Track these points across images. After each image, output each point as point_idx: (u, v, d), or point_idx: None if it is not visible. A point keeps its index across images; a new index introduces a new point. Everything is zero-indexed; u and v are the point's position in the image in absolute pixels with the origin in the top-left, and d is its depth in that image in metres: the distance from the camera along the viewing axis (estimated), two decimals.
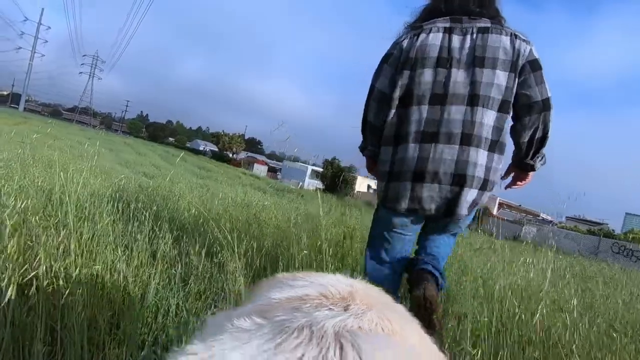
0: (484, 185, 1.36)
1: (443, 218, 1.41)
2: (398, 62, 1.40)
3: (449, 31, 1.36)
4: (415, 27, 1.42)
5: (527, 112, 1.32)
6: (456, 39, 1.35)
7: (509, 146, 1.40)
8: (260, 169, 43.19)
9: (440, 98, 1.33)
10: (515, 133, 1.38)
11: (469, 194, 1.34)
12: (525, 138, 1.35)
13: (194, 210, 3.11)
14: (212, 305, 1.51)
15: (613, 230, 18.60)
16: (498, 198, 27.82)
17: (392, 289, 1.40)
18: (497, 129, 1.33)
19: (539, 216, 25.50)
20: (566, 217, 24.60)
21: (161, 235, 2.02)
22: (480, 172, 1.33)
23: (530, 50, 1.32)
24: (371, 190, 29.78)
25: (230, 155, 46.04)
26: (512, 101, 1.33)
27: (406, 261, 1.50)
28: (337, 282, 0.48)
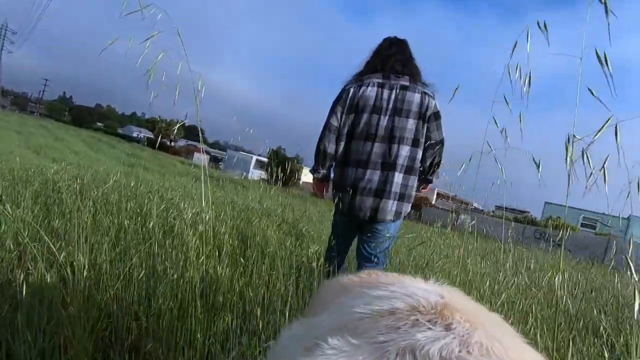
0: (402, 197, 1.89)
1: (370, 222, 1.93)
2: (345, 105, 1.89)
3: (381, 86, 1.87)
4: (358, 80, 1.92)
5: (431, 147, 1.90)
6: (385, 93, 1.85)
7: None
8: (201, 158, 40.81)
9: (370, 136, 1.86)
10: (422, 160, 1.94)
11: (389, 204, 1.87)
12: (427, 163, 1.94)
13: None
14: None
15: (535, 217, 20.38)
16: (436, 189, 29.20)
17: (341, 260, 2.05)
18: (411, 158, 1.87)
19: (471, 205, 27.20)
20: (495, 206, 26.60)
21: None
22: (396, 188, 1.86)
23: (435, 104, 1.87)
24: None
25: (168, 143, 42.87)
26: (423, 139, 1.88)
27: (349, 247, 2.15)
28: (425, 292, 0.44)
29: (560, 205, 19.68)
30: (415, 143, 1.87)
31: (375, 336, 0.36)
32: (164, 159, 23.29)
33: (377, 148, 1.86)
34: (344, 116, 1.90)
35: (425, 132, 1.88)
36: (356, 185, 1.89)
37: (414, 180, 1.91)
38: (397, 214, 1.90)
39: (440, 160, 1.96)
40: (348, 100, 1.89)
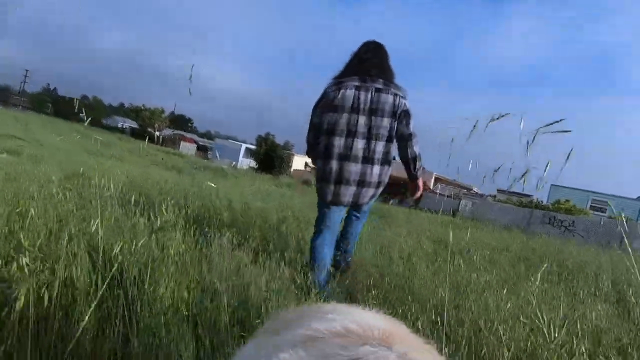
0: (378, 185, 2.19)
1: (352, 207, 2.29)
2: (326, 106, 2.14)
3: (358, 89, 2.11)
4: (338, 83, 2.15)
5: (400, 140, 2.16)
6: (362, 95, 2.09)
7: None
8: (188, 148, 39.22)
9: (351, 133, 2.11)
10: (399, 154, 2.20)
11: (368, 192, 2.17)
12: (404, 157, 2.18)
13: None
14: None
15: (541, 201, 19.21)
16: (434, 173, 27.96)
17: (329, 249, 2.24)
18: (385, 152, 2.14)
19: (472, 190, 26.11)
20: (497, 189, 25.48)
21: None
22: (374, 178, 2.15)
23: (405, 103, 2.13)
24: (308, 169, 28.22)
25: (153, 132, 41.03)
26: (394, 134, 2.14)
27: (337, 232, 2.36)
28: (375, 319, 0.49)
29: (568, 188, 18.59)
30: (389, 139, 2.14)
31: (324, 349, 0.38)
32: (145, 149, 21.71)
33: (358, 144, 2.10)
34: (322, 115, 2.15)
35: (396, 127, 2.13)
36: (340, 176, 2.13)
37: (387, 169, 2.19)
38: (372, 197, 2.21)
39: (417, 155, 2.17)
40: (328, 102, 2.13)
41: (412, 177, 2.23)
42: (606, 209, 18.27)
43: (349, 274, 2.25)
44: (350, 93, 2.08)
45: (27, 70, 77.27)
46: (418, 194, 2.30)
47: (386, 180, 2.21)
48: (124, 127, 47.93)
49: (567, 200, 17.08)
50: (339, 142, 2.10)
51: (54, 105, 79.58)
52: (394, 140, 2.14)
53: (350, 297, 1.97)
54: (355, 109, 2.08)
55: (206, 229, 2.17)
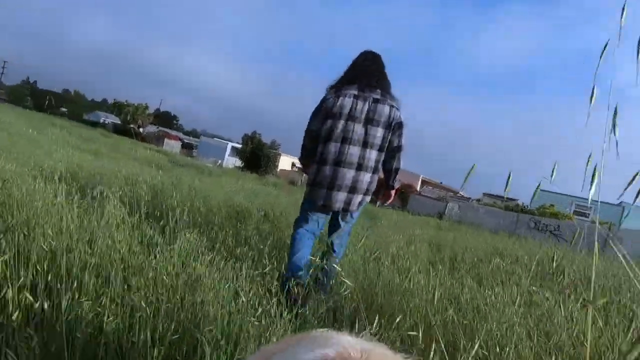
0: (366, 192, 2.24)
1: (343, 212, 2.25)
2: (325, 113, 2.18)
3: (356, 97, 2.16)
4: (337, 91, 2.20)
5: (390, 151, 2.24)
6: (360, 104, 2.15)
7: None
8: (172, 145, 38.27)
9: (347, 140, 2.16)
10: (383, 163, 2.26)
11: (358, 198, 2.21)
12: (389, 166, 2.27)
13: None
14: None
15: (527, 206, 19.25)
16: (421, 176, 27.90)
17: (307, 249, 2.21)
18: (376, 161, 2.21)
19: (458, 193, 26.17)
20: (483, 193, 25.59)
21: None
22: (364, 185, 2.20)
23: (399, 115, 2.21)
24: (295, 169, 27.79)
25: (136, 128, 39.84)
26: (386, 145, 2.21)
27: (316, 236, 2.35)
28: (357, 344, 0.49)
29: (552, 193, 18.70)
30: (381, 148, 2.21)
31: None
32: (126, 144, 20.90)
33: (352, 150, 2.15)
34: (321, 122, 2.19)
35: (388, 138, 2.20)
36: (333, 181, 2.16)
37: (376, 178, 2.27)
38: (360, 204, 2.25)
39: (399, 167, 2.27)
40: (327, 109, 2.17)
41: (389, 187, 2.34)
42: (589, 214, 18.44)
43: (332, 290, 2.09)
44: (348, 101, 2.14)
45: (5, 62, 74.29)
46: (388, 202, 2.45)
47: (374, 188, 2.28)
48: (106, 122, 46.49)
49: (552, 205, 17.15)
50: (334, 149, 2.15)
51: (33, 98, 76.79)
52: (384, 150, 2.21)
53: (334, 315, 1.62)
54: (352, 117, 2.14)
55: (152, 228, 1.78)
